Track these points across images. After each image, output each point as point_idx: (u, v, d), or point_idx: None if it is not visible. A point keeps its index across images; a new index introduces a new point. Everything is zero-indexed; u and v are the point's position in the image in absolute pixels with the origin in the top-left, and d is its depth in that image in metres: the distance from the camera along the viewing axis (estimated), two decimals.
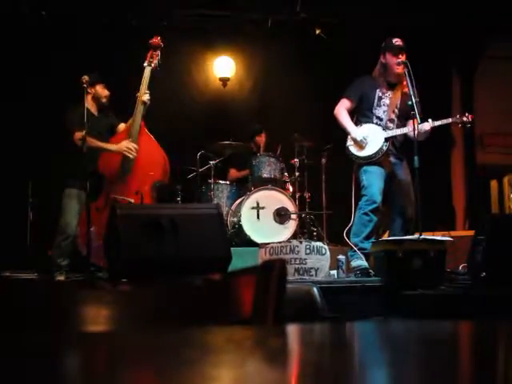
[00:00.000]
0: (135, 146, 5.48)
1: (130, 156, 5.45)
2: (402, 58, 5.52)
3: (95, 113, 5.75)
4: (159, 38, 5.82)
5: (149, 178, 5.51)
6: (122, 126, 5.78)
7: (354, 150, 5.60)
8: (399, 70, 5.51)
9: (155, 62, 5.70)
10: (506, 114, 8.91)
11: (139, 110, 5.56)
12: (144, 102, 5.56)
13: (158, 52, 5.75)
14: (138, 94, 5.60)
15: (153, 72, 5.68)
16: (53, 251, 5.61)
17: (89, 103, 5.63)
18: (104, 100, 5.76)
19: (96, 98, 5.72)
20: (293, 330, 0.94)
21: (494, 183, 8.94)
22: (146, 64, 5.69)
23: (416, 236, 4.96)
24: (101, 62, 7.13)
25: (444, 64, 9.11)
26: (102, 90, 5.74)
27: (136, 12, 8.09)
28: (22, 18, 7.81)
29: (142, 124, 5.61)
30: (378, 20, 8.21)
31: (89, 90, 5.61)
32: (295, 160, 7.09)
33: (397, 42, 5.59)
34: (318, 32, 8.56)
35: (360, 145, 5.55)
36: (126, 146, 5.46)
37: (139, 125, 5.57)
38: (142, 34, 7.60)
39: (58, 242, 5.56)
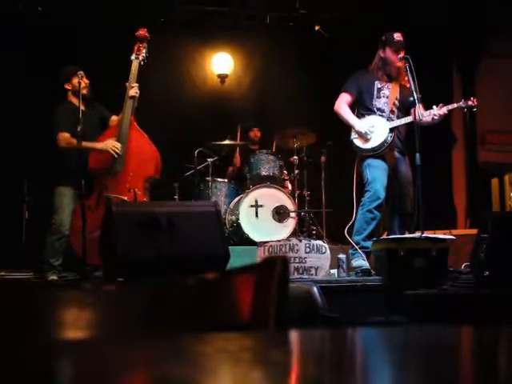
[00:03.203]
0: (120, 144, 5.37)
1: (115, 154, 5.33)
2: (402, 53, 5.45)
3: (82, 107, 5.43)
4: (145, 29, 5.71)
5: (141, 174, 5.42)
6: (114, 119, 5.63)
7: (358, 142, 5.52)
8: (400, 64, 5.45)
9: (142, 54, 5.58)
10: (508, 111, 8.86)
11: (128, 105, 5.45)
12: (132, 96, 5.45)
13: (145, 44, 5.63)
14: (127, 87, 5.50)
15: (140, 65, 5.57)
16: (45, 251, 5.47)
17: (72, 99, 5.52)
18: (84, 91, 5.42)
19: (76, 92, 5.42)
20: (297, 338, 0.84)
21: (494, 181, 8.88)
22: (133, 57, 5.57)
23: (418, 234, 4.88)
24: (99, 59, 7.06)
25: (445, 62, 9.05)
26: (78, 82, 5.40)
27: (134, 7, 7.99)
28: (19, 16, 7.72)
29: (132, 119, 5.50)
30: (378, 17, 8.13)
31: (66, 87, 5.51)
32: (294, 157, 7.00)
33: (398, 37, 5.52)
34: (317, 28, 8.47)
35: (365, 137, 5.47)
36: (112, 143, 5.35)
37: (129, 120, 5.45)
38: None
39: (51, 241, 5.44)
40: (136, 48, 5.60)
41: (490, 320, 3.66)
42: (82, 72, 5.46)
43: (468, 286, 4.60)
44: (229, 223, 6.71)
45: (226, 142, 7.13)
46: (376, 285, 4.66)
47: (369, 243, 5.30)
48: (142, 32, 5.66)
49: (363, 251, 5.33)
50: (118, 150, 5.33)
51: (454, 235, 5.61)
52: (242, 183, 7.14)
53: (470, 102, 5.48)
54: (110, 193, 5.26)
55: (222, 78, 8.79)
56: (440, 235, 5.15)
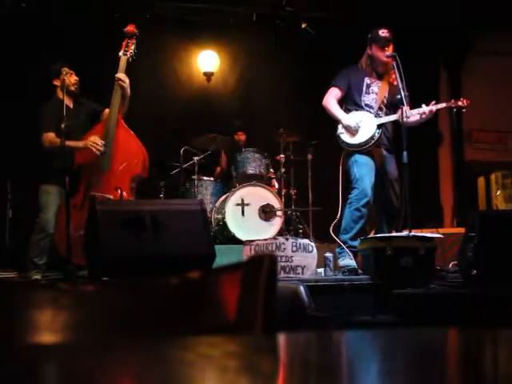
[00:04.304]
0: (102, 140, 5.28)
1: (97, 152, 5.23)
2: (389, 49, 5.41)
3: (70, 104, 5.45)
4: (134, 25, 5.64)
5: (128, 173, 5.34)
6: (107, 112, 5.51)
7: (345, 137, 5.46)
8: (386, 60, 5.40)
9: (131, 50, 5.51)
10: (494, 110, 8.87)
11: (117, 94, 5.37)
12: (120, 83, 5.36)
13: (134, 40, 5.56)
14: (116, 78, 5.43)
15: (128, 61, 5.51)
16: (29, 250, 5.39)
17: (61, 95, 5.44)
18: (72, 88, 5.43)
19: (64, 89, 5.34)
20: (284, 343, 0.79)
21: (481, 180, 8.88)
22: (121, 53, 5.50)
23: (405, 233, 4.86)
24: (84, 56, 6.97)
25: (431, 60, 9.05)
26: (67, 79, 5.38)
27: (119, 4, 7.93)
28: (3, 12, 7.63)
29: (120, 117, 5.42)
30: (365, 15, 8.11)
31: (55, 83, 5.44)
32: (281, 156, 6.97)
33: (383, 33, 5.46)
34: (304, 26, 8.43)
35: (352, 132, 5.42)
36: (92, 141, 5.25)
37: (116, 116, 5.37)
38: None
39: (35, 240, 5.35)
40: (124, 44, 5.53)
41: (478, 319, 3.65)
42: (66, 68, 5.41)
43: (455, 284, 4.59)
44: (215, 222, 6.66)
45: (213, 135, 7.10)
46: (363, 284, 4.64)
47: (356, 242, 5.27)
48: (131, 28, 5.59)
49: (350, 250, 5.30)
50: (98, 147, 5.21)
51: (441, 234, 5.59)
52: (228, 182, 7.10)
53: (460, 103, 5.42)
54: (95, 192, 5.18)
55: (208, 75, 8.74)
56: (427, 234, 5.13)
